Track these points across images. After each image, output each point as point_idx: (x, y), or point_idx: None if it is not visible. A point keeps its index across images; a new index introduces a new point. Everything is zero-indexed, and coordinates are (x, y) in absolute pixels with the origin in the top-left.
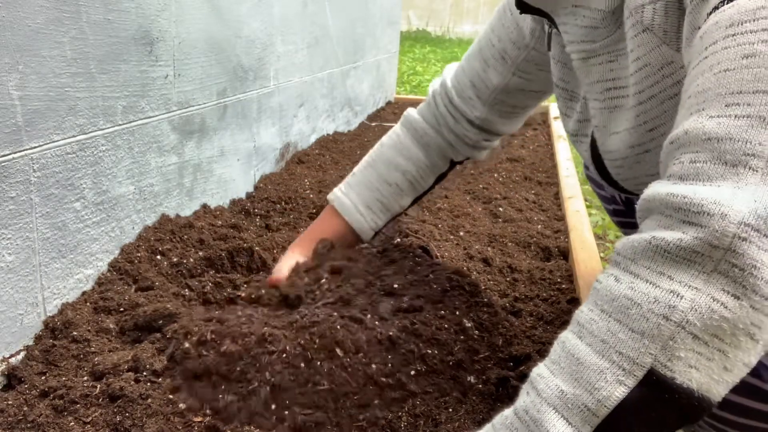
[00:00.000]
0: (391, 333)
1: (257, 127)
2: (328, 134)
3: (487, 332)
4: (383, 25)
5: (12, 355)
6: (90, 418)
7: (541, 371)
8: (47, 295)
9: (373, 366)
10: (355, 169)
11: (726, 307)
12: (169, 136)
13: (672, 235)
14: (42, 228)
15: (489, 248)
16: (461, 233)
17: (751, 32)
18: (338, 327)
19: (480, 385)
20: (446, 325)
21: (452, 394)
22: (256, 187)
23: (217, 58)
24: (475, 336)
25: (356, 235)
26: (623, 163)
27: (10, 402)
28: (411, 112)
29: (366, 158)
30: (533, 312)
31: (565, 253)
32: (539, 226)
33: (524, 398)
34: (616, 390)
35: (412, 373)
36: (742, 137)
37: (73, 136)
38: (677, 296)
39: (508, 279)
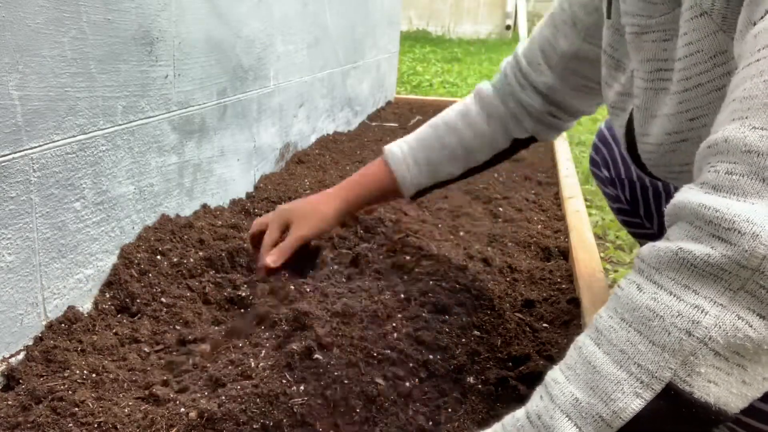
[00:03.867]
0: (395, 347)
1: (257, 127)
2: (328, 134)
3: (487, 333)
4: (383, 25)
5: (12, 356)
6: (90, 420)
7: (555, 376)
8: (47, 295)
9: (376, 382)
10: (418, 129)
11: (751, 327)
12: (169, 136)
13: (700, 249)
14: (42, 228)
15: (489, 248)
16: (461, 233)
17: None
18: (343, 354)
19: (479, 386)
20: (447, 329)
21: (452, 395)
22: (256, 187)
23: (217, 58)
24: (476, 337)
25: (397, 189)
26: (657, 149)
27: (10, 402)
28: (483, 83)
29: (432, 119)
30: (533, 312)
31: (565, 253)
32: (539, 226)
33: (537, 402)
34: (632, 402)
35: (416, 381)
36: None
37: (73, 136)
38: (701, 312)
39: (508, 279)
